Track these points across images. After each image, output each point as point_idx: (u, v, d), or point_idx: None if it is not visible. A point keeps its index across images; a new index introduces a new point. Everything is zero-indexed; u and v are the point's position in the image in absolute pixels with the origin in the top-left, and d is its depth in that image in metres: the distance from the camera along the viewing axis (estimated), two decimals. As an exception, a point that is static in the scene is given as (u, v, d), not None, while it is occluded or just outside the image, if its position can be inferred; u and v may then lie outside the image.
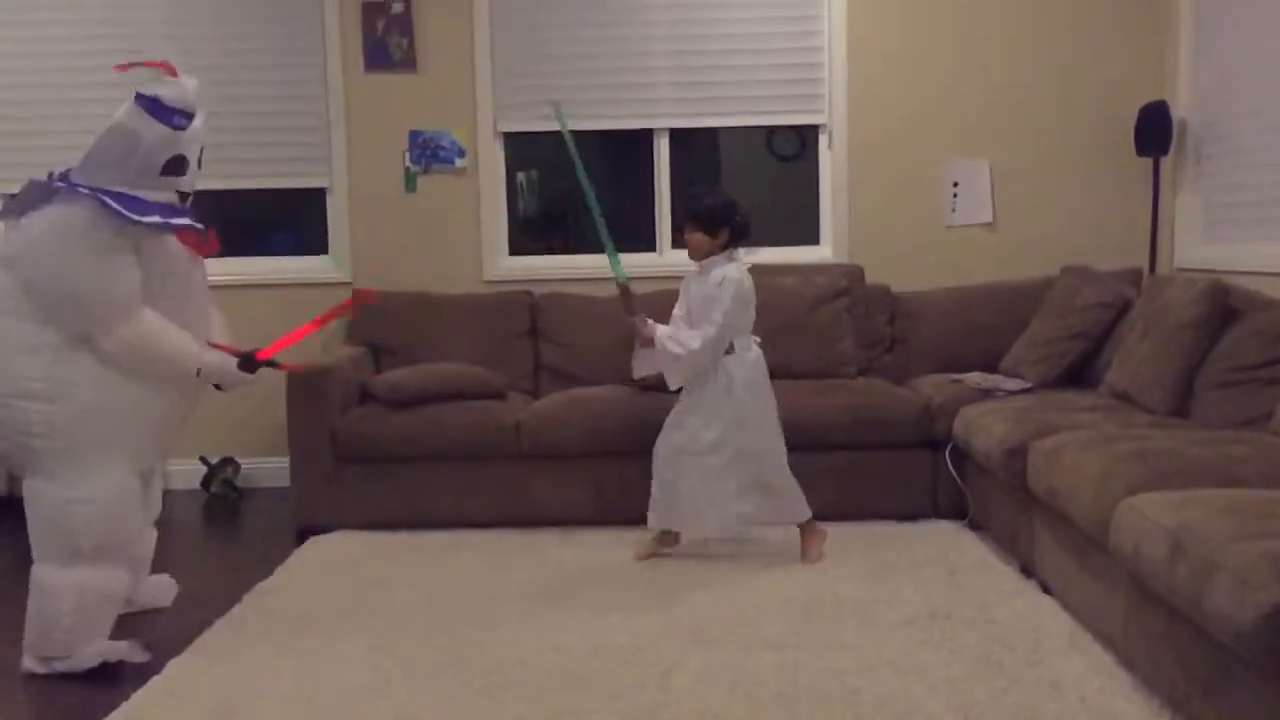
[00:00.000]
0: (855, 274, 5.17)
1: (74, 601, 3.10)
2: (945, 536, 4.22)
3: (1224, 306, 3.82)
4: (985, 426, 3.97)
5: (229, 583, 3.83)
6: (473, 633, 3.34)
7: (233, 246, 5.83)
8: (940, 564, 3.88)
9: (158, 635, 3.40)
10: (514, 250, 5.61)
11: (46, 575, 3.12)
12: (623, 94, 5.43)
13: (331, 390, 4.54)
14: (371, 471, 4.53)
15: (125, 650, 3.18)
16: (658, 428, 4.45)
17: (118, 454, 3.19)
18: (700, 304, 3.88)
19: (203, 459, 5.42)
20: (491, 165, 5.47)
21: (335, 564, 4.12)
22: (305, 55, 5.43)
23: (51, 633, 3.10)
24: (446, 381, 4.69)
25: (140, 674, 3.07)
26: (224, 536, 4.93)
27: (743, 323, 3.90)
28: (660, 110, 5.44)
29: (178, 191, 3.23)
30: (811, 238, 5.55)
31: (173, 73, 3.20)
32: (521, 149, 5.70)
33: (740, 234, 3.88)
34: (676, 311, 4.01)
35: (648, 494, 4.44)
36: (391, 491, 4.53)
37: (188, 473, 5.47)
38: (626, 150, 5.69)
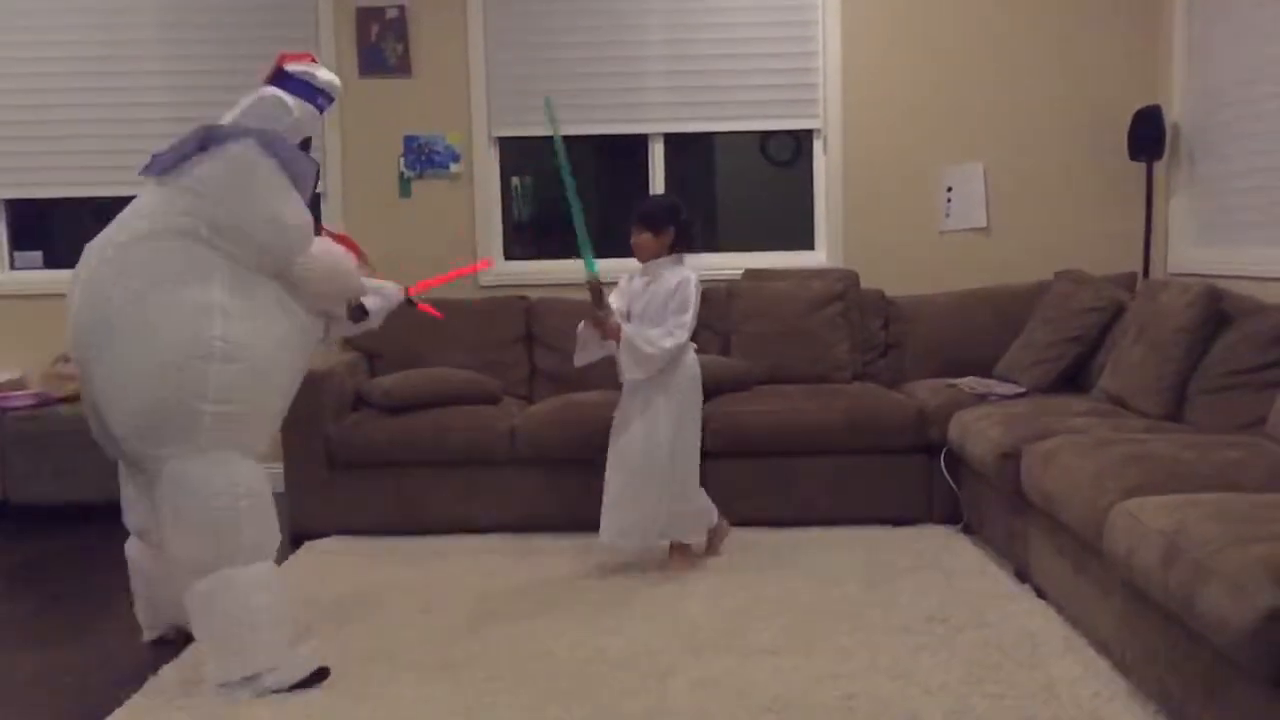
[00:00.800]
0: (850, 279, 5.17)
1: (264, 598, 2.95)
2: (940, 541, 4.22)
3: (1217, 311, 3.83)
4: (980, 431, 3.98)
5: (223, 588, 3.82)
6: (467, 638, 3.33)
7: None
8: (935, 569, 3.88)
9: (153, 641, 3.40)
10: (508, 255, 5.62)
11: (230, 581, 2.93)
12: (617, 99, 5.43)
13: (326, 395, 4.54)
14: (366, 476, 4.53)
15: (317, 655, 3.07)
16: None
17: (265, 432, 3.17)
18: (645, 305, 3.90)
19: (197, 464, 5.40)
20: (486, 170, 5.48)
21: (329, 569, 4.11)
22: (300, 60, 5.43)
23: (251, 644, 2.92)
24: (441, 386, 4.69)
25: (134, 678, 3.06)
26: (218, 542, 4.91)
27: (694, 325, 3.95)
28: (655, 115, 5.44)
29: None
30: (806, 243, 5.55)
31: (313, 60, 3.29)
32: (516, 154, 5.70)
33: (685, 234, 3.94)
34: (616, 304, 3.97)
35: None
36: (386, 496, 4.52)
37: (182, 478, 5.46)
38: (621, 155, 5.70)
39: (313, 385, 4.49)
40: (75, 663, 3.29)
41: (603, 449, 4.44)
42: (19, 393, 5.26)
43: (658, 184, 5.51)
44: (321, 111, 3.31)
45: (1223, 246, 4.79)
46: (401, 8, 5.36)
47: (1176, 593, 2.41)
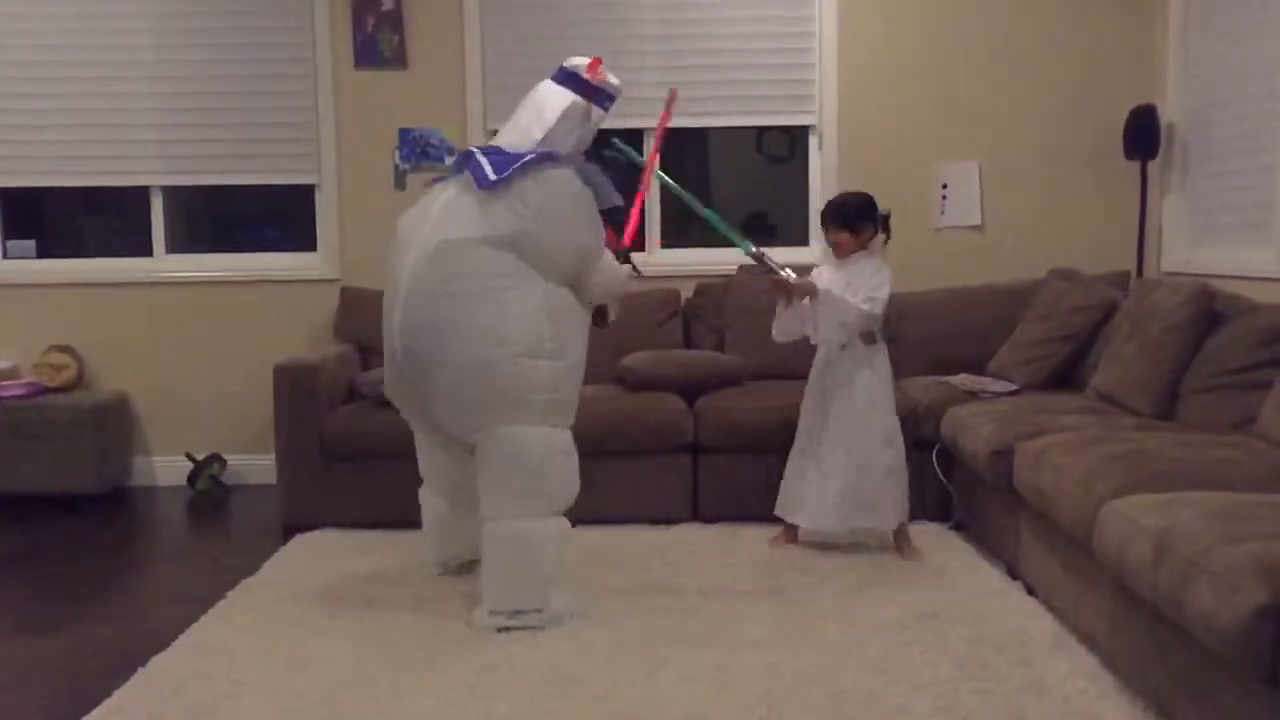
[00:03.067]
0: (844, 275, 5.17)
1: (555, 549, 3.36)
2: (931, 537, 4.22)
3: (1210, 310, 3.84)
4: (972, 428, 3.98)
5: (214, 579, 3.82)
6: (458, 631, 3.33)
7: (220, 242, 5.86)
8: (926, 565, 3.88)
9: (143, 631, 3.40)
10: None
11: (532, 529, 3.33)
12: (613, 93, 5.42)
13: (319, 387, 4.53)
14: (358, 469, 4.52)
15: (574, 602, 3.42)
16: (645, 426, 4.45)
17: (576, 407, 3.49)
18: (842, 288, 3.90)
19: (189, 455, 5.40)
20: (481, 163, 5.46)
21: (321, 561, 4.10)
22: (295, 51, 5.42)
23: (532, 584, 3.32)
24: (434, 379, 4.68)
25: (125, 668, 3.06)
26: (210, 533, 4.91)
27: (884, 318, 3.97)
28: (650, 110, 5.42)
29: None
30: (801, 238, 5.55)
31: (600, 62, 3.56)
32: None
33: (883, 228, 3.97)
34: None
35: (635, 492, 4.45)
36: (378, 489, 4.50)
37: (174, 469, 5.45)
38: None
39: (305, 377, 4.52)
40: (66, 652, 3.28)
41: (594, 443, 4.44)
42: (11, 382, 5.26)
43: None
44: (605, 113, 3.59)
45: (1216, 246, 4.80)
46: (397, -1, 5.36)
47: (1166, 590, 2.42)
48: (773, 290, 3.94)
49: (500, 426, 3.31)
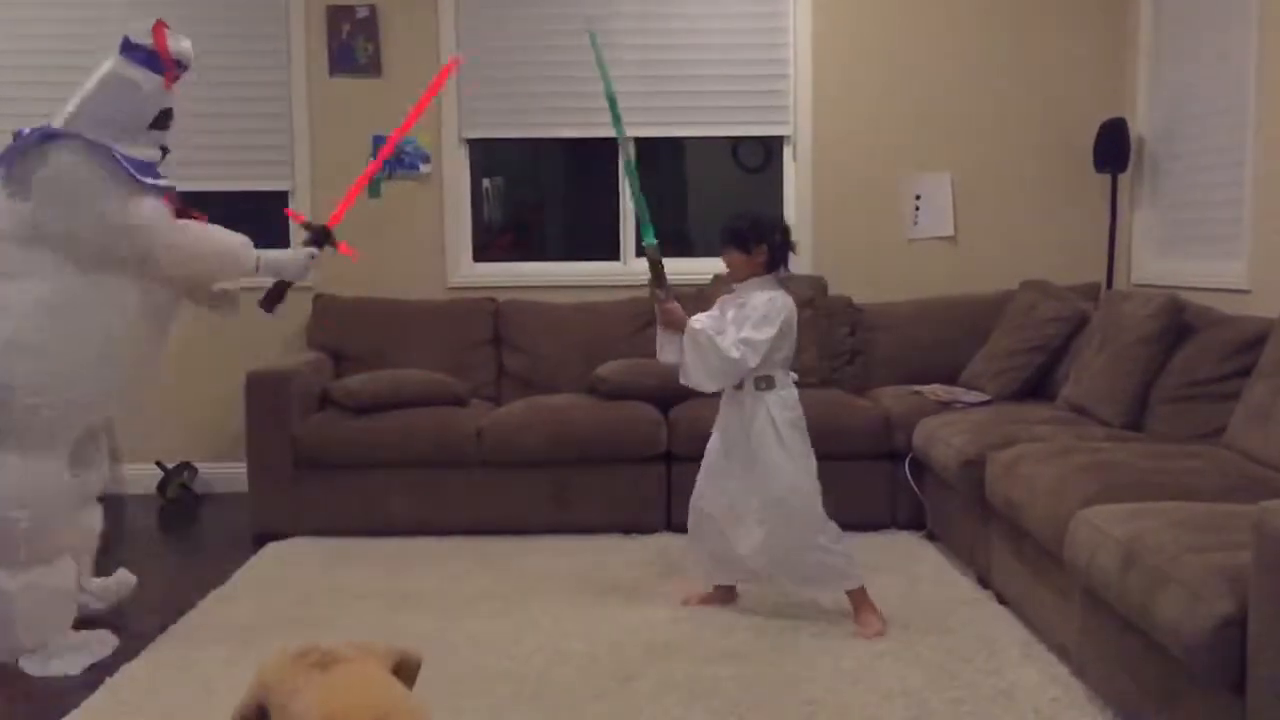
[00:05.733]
0: (818, 285, 5.19)
1: (25, 603, 3.13)
2: (904, 547, 4.24)
3: (1179, 322, 3.87)
4: (944, 438, 4.00)
5: (184, 589, 3.79)
6: (430, 641, 3.31)
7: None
8: (898, 574, 3.89)
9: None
10: (478, 257, 5.60)
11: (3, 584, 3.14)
12: (587, 103, 5.39)
13: (291, 395, 4.51)
14: (331, 477, 4.50)
15: (100, 646, 3.24)
16: (619, 435, 4.45)
17: (77, 419, 3.20)
18: (727, 325, 3.48)
19: (159, 464, 5.36)
20: (456, 171, 5.46)
21: (293, 570, 4.08)
22: (269, 58, 5.40)
23: (13, 632, 3.14)
24: (408, 388, 4.67)
25: (91, 680, 3.03)
26: (180, 542, 4.87)
27: (782, 355, 3.46)
28: (626, 120, 5.40)
29: (160, 147, 3.33)
30: (775, 248, 5.57)
31: (165, 27, 3.34)
32: (486, 156, 5.69)
33: (781, 252, 3.50)
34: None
35: (608, 502, 4.44)
36: (351, 498, 4.49)
37: (144, 477, 5.41)
38: (592, 159, 5.69)
39: (277, 385, 4.49)
40: None
41: (568, 451, 4.45)
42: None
43: (626, 189, 5.51)
44: (174, 81, 3.32)
45: (1185, 259, 4.84)
46: (372, 7, 5.34)
47: (1135, 600, 2.43)
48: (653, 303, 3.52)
49: None
